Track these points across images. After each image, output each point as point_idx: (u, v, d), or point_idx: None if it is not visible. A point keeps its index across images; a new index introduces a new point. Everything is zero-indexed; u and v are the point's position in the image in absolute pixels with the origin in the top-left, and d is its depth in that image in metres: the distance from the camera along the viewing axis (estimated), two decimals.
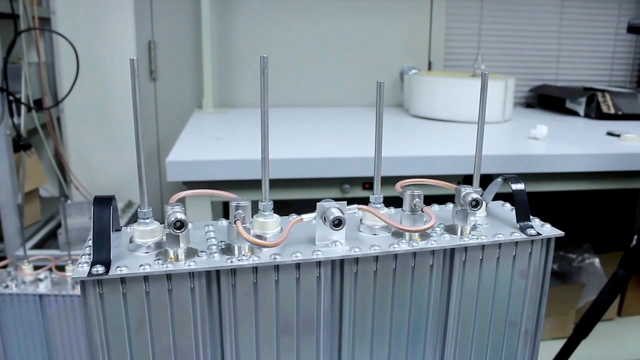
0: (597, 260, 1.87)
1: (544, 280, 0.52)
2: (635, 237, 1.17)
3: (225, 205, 1.82)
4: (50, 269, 1.02)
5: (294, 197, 1.19)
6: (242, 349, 0.45)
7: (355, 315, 0.47)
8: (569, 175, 1.29)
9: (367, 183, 1.20)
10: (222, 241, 0.46)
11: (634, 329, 1.84)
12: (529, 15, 2.11)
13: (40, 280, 1.00)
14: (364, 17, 1.96)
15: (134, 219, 1.71)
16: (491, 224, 0.52)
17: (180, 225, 0.41)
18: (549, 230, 0.51)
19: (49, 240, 1.61)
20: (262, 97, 0.44)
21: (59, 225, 1.66)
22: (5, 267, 1.06)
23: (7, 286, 0.99)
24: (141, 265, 0.41)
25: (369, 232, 0.49)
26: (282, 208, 0.55)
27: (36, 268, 1.02)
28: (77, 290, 0.98)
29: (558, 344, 1.28)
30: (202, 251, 0.44)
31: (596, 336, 1.30)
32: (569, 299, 1.76)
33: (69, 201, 1.71)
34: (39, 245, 1.54)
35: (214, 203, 1.17)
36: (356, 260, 0.46)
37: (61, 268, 1.05)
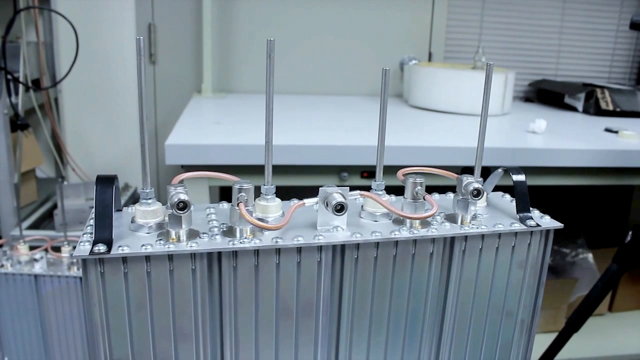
0: (590, 256, 1.88)
1: (542, 272, 0.53)
2: (630, 232, 1.18)
3: (223, 190, 1.82)
4: (46, 250, 1.02)
5: (292, 183, 1.18)
6: (241, 330, 0.45)
7: (355, 300, 0.48)
8: (566, 170, 1.30)
9: (365, 172, 1.20)
10: (223, 223, 0.46)
11: (624, 324, 1.86)
12: (530, 9, 2.10)
13: (35, 260, 1.00)
14: (366, 6, 1.95)
15: (130, 202, 1.70)
16: (491, 214, 0.53)
17: (184, 206, 0.41)
18: (548, 222, 0.52)
19: (45, 221, 1.60)
20: (267, 80, 0.44)
21: (54, 206, 1.66)
22: (0, 246, 1.06)
23: (2, 265, 0.98)
24: (143, 245, 0.41)
25: (370, 218, 0.49)
26: (282, 194, 0.55)
27: (32, 248, 1.02)
28: (73, 271, 0.98)
29: (549, 337, 1.30)
30: (203, 233, 0.44)
31: (587, 330, 1.31)
32: (562, 293, 1.78)
33: (65, 182, 1.70)
34: (34, 226, 1.53)
35: (211, 188, 1.17)
36: (357, 246, 0.46)
37: (57, 249, 1.05)
